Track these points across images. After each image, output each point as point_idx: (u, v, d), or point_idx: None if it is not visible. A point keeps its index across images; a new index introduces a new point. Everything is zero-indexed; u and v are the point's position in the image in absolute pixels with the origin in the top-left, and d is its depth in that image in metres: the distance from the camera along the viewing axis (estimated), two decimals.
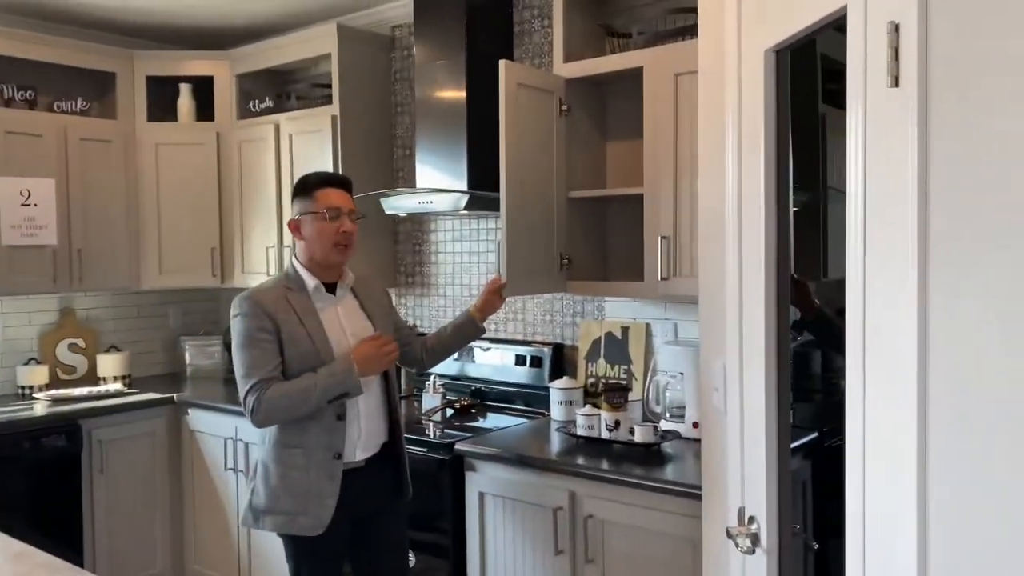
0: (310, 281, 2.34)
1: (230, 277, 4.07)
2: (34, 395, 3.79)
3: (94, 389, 3.89)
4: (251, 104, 4.00)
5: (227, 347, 4.32)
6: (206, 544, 3.74)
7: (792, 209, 1.81)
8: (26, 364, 3.88)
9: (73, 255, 3.79)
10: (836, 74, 2.18)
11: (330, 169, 3.55)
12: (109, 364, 4.07)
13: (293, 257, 2.41)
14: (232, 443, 3.54)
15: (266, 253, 3.87)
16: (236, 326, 2.29)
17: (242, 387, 2.24)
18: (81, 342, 4.13)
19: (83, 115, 3.90)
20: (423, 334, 2.79)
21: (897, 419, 1.18)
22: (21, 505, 3.30)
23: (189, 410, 3.77)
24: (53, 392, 3.79)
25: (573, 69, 2.85)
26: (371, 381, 2.35)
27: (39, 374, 3.87)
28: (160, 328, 4.48)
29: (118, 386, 3.98)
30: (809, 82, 2.02)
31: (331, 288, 2.37)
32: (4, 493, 3.26)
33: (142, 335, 4.40)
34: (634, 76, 2.71)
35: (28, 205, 3.62)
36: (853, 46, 1.29)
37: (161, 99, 4.06)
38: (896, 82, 1.16)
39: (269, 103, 3.95)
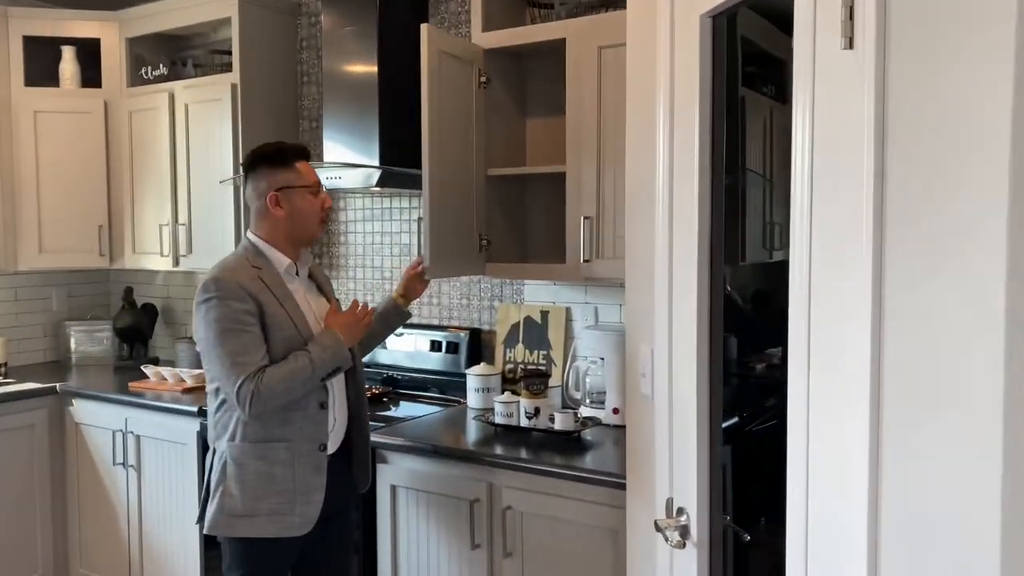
0: (282, 260, 2.16)
1: (119, 257, 3.77)
2: None
3: None
4: (143, 71, 3.70)
5: (117, 332, 4.01)
6: (93, 546, 3.45)
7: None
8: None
9: None
10: (755, 57, 2.13)
11: (230, 141, 3.33)
12: None
13: (250, 234, 2.19)
14: (122, 436, 3.27)
15: (159, 231, 3.59)
16: (214, 311, 2.03)
17: (232, 379, 2.00)
18: None
19: None
20: None
21: (846, 412, 1.11)
22: None
23: (74, 400, 3.47)
24: None
25: (492, 39, 2.71)
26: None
27: None
28: (42, 312, 4.12)
29: None
30: (730, 64, 1.96)
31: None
32: None
33: (21, 320, 4.04)
34: (555, 50, 2.59)
35: None
36: (801, 5, 1.20)
37: (40, 62, 3.71)
38: (850, 44, 1.08)
39: (163, 70, 3.66)
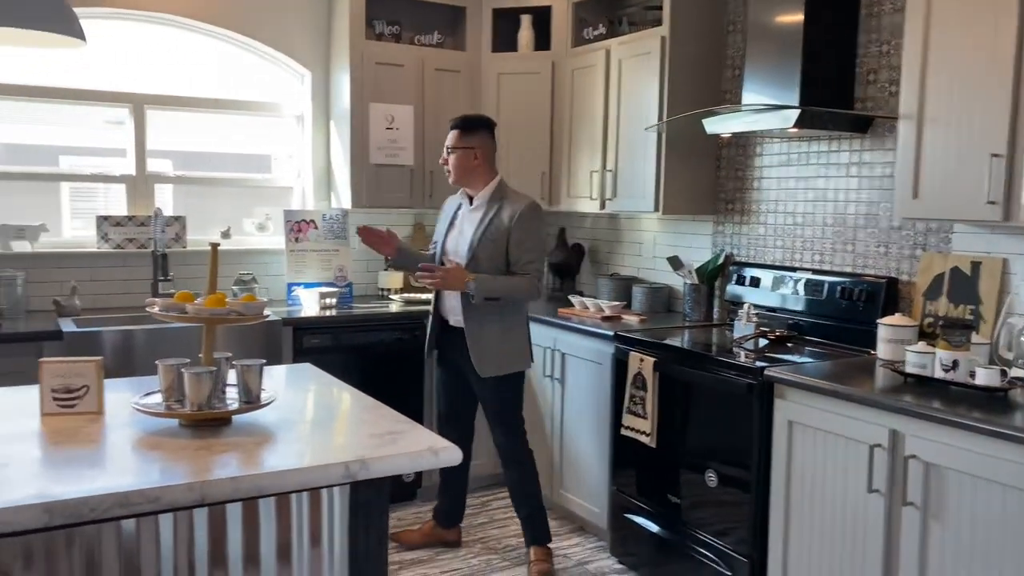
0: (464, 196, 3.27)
1: (557, 200, 4.29)
2: (390, 296, 4.37)
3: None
4: (585, 32, 4.12)
5: (551, 267, 4.58)
6: None
7: None
8: (386, 270, 4.46)
9: (426, 175, 4.25)
10: None
11: (656, 91, 3.58)
12: None
13: None
14: (551, 352, 3.78)
15: (590, 177, 4.01)
16: None
17: None
18: None
19: (438, 47, 4.31)
20: (524, 274, 3.10)
21: None
22: (373, 383, 3.83)
23: None
24: (406, 295, 4.33)
25: None
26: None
27: (395, 279, 4.44)
28: None
29: None
30: None
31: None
32: (361, 372, 3.82)
33: None
34: None
35: (391, 129, 4.13)
36: None
37: (504, 31, 4.35)
38: None
39: (602, 30, 4.04)
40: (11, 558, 1.49)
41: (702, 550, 2.94)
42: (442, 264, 3.20)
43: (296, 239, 4.20)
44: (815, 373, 2.63)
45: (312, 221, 4.23)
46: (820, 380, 2.53)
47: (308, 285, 4.17)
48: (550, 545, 3.32)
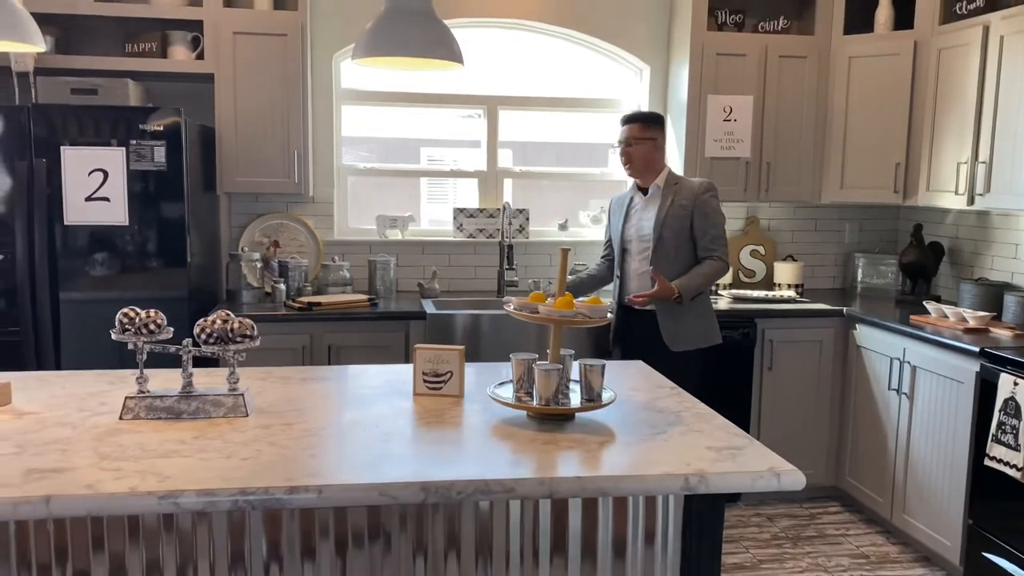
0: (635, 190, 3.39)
1: (913, 194, 3.88)
2: (718, 292, 4.28)
3: (769, 293, 4.20)
4: (957, 7, 3.66)
5: (902, 267, 4.18)
6: (863, 460, 3.76)
7: None
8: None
9: (763, 167, 4.09)
10: None
11: None
12: (785, 272, 4.33)
13: None
14: (899, 364, 3.45)
15: (956, 169, 3.57)
16: None
17: None
18: (762, 249, 4.47)
19: (783, 33, 4.10)
20: (711, 258, 3.18)
21: None
22: (696, 384, 3.78)
23: (857, 325, 3.78)
24: (735, 291, 4.21)
25: None
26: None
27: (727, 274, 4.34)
28: (835, 243, 4.56)
29: (791, 293, 4.21)
30: None
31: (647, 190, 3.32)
32: (686, 371, 3.79)
33: (817, 248, 4.55)
34: None
35: (729, 120, 4.02)
36: None
37: (859, 11, 4.01)
38: None
39: (979, 3, 3.55)
40: (390, 522, 1.72)
41: None
42: (624, 252, 3.35)
43: None
44: None
45: None
46: None
47: None
48: None
